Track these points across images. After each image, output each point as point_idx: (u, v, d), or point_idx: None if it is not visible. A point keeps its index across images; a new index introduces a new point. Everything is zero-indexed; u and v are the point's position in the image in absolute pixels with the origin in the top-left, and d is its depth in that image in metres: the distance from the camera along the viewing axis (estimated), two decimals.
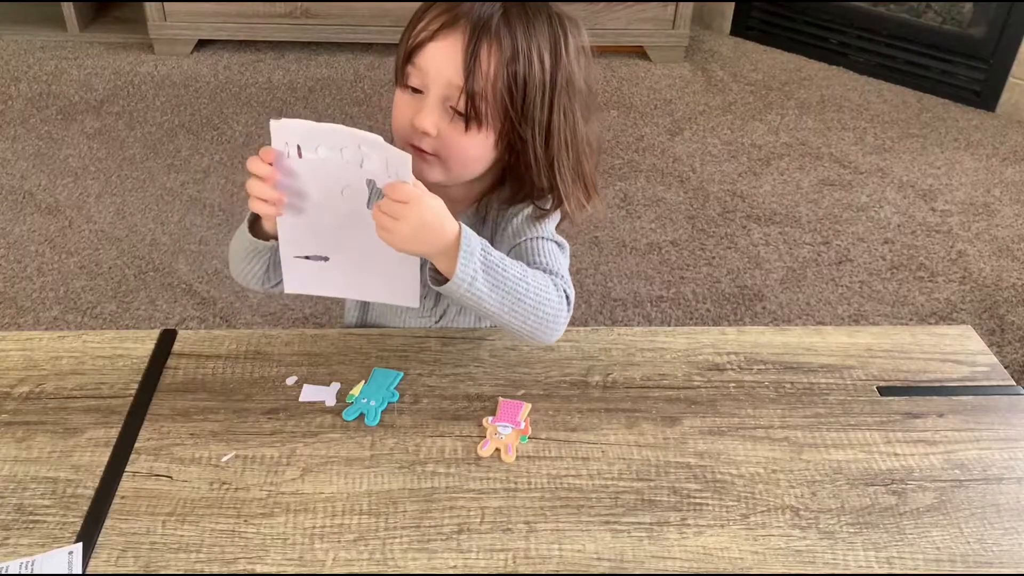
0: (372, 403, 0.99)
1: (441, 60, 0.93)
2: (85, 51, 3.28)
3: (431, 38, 0.92)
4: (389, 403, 0.99)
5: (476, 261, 0.90)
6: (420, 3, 0.96)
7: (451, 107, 0.95)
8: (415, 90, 0.97)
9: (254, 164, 0.88)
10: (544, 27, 0.95)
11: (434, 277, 0.92)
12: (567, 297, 0.99)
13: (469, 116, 0.94)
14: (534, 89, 0.94)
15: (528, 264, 1.04)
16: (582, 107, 0.99)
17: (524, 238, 1.04)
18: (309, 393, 1.01)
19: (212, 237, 2.30)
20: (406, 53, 0.95)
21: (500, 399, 1.00)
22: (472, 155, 0.98)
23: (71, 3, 3.28)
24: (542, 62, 0.93)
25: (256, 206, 0.90)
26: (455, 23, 0.91)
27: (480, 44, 0.90)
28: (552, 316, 0.97)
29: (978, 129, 3.01)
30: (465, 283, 0.90)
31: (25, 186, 2.51)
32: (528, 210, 1.05)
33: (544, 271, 1.01)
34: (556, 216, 1.08)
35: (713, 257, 2.32)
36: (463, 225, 0.91)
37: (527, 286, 0.94)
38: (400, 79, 0.97)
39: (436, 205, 0.88)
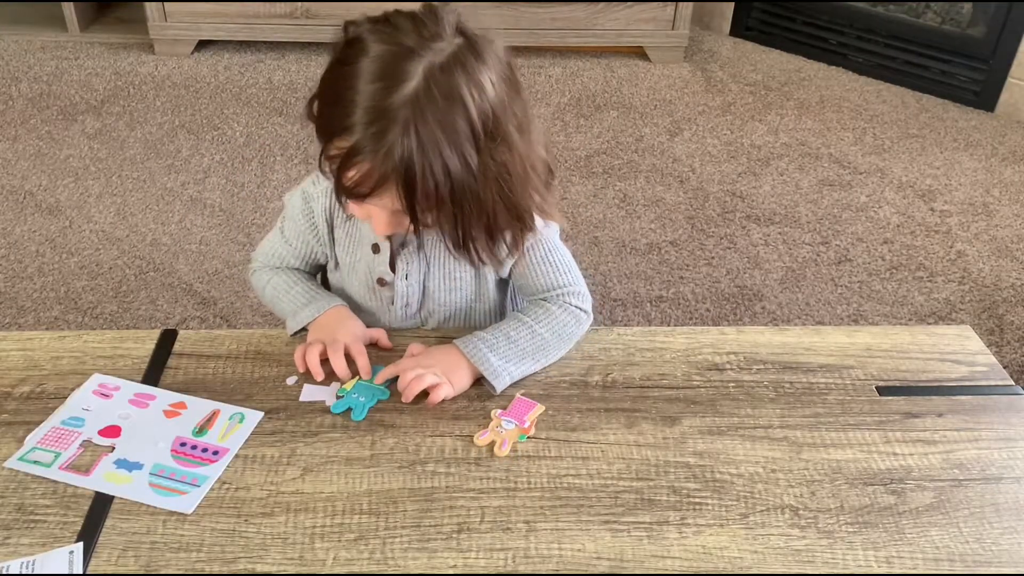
0: (361, 399, 0.99)
1: (382, 203, 0.93)
2: (86, 51, 3.28)
3: (370, 193, 0.91)
4: (379, 400, 1.00)
5: (491, 360, 1.02)
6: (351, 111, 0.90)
7: (399, 210, 0.94)
8: None
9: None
10: (458, 101, 0.88)
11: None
12: (580, 308, 1.09)
13: (417, 226, 0.94)
14: (465, 178, 0.90)
15: (532, 289, 1.11)
16: (517, 132, 0.94)
17: (516, 258, 1.07)
18: (309, 393, 1.01)
19: (212, 237, 2.30)
20: (345, 193, 0.93)
21: (517, 395, 1.01)
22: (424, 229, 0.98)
23: (71, 3, 3.28)
24: (465, 152, 0.89)
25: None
26: (389, 177, 0.89)
27: (414, 189, 0.89)
28: (575, 336, 1.09)
29: (977, 129, 3.01)
30: (504, 379, 1.02)
31: (26, 186, 2.51)
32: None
33: (549, 290, 1.09)
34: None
35: (713, 257, 2.32)
36: (455, 343, 1.03)
37: (544, 339, 1.06)
38: (340, 201, 0.97)
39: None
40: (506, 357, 1.03)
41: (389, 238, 1.07)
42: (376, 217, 0.97)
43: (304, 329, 1.09)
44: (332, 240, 1.12)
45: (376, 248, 1.09)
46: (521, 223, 0.99)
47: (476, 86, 0.89)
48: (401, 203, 0.91)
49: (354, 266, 1.13)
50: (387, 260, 1.09)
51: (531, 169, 0.97)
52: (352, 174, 0.90)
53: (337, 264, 1.15)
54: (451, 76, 0.88)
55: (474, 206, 0.92)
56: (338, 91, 0.91)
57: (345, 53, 0.92)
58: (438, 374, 1.00)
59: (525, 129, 0.95)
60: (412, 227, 0.95)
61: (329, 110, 0.92)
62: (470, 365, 1.02)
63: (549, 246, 1.09)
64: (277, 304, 1.16)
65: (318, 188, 1.10)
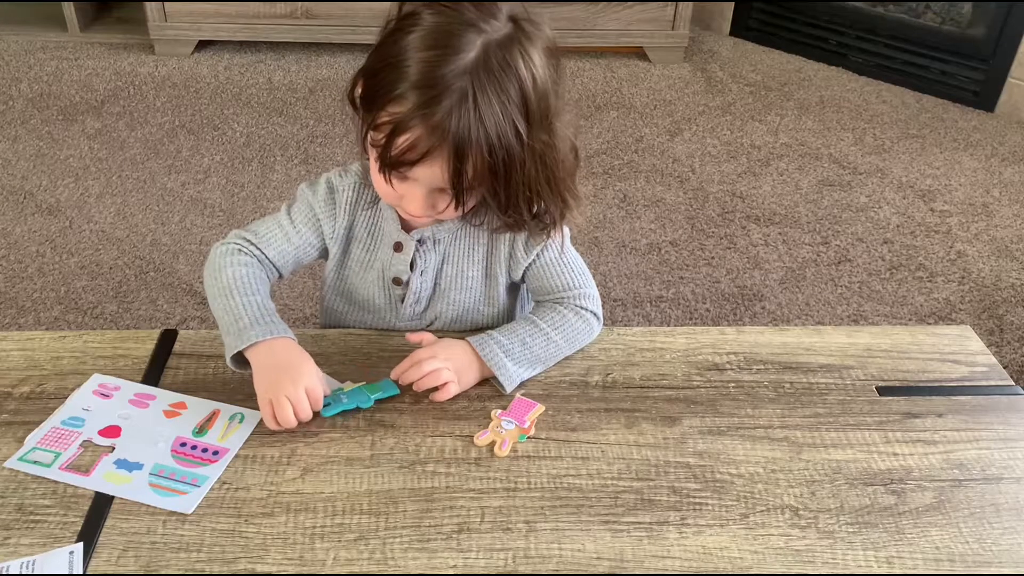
0: (347, 402, 0.99)
1: (429, 174, 0.93)
2: (86, 52, 3.28)
3: (419, 161, 0.91)
4: (359, 407, 0.99)
5: (508, 366, 1.02)
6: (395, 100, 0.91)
7: (438, 188, 0.96)
8: None
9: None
10: (514, 75, 0.91)
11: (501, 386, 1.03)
12: (592, 312, 1.10)
13: (459, 200, 0.96)
14: (516, 152, 0.92)
15: (545, 290, 1.11)
16: (556, 116, 0.97)
17: (531, 259, 1.09)
18: None
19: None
20: (391, 164, 0.93)
21: (518, 395, 1.01)
22: (459, 212, 1.00)
23: (72, 3, 3.28)
24: (518, 124, 0.91)
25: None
26: (441, 145, 0.89)
27: (465, 160, 0.90)
28: (585, 342, 1.10)
29: (977, 130, 3.01)
30: (516, 383, 1.02)
31: (26, 186, 2.51)
32: (522, 236, 1.08)
33: (561, 291, 1.10)
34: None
35: (713, 257, 2.32)
36: (469, 340, 1.03)
37: (557, 345, 1.06)
38: (384, 174, 0.95)
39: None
40: (520, 362, 1.03)
41: (410, 233, 1.08)
42: (410, 196, 0.97)
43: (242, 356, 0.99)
44: (348, 235, 1.12)
45: (399, 247, 1.09)
46: (563, 202, 1.02)
47: (531, 64, 0.92)
48: (448, 173, 0.91)
49: (370, 264, 1.12)
50: (408, 259, 1.09)
51: (567, 152, 1.00)
52: (403, 140, 0.90)
53: (344, 262, 1.14)
54: (508, 51, 0.91)
55: (520, 180, 0.94)
56: (394, 57, 0.92)
57: (401, 24, 0.93)
58: (451, 370, 1.00)
59: (562, 112, 0.98)
60: (446, 208, 0.96)
61: (381, 76, 0.93)
62: (482, 366, 1.02)
63: (562, 247, 1.10)
64: (230, 298, 1.02)
65: (345, 181, 1.10)
